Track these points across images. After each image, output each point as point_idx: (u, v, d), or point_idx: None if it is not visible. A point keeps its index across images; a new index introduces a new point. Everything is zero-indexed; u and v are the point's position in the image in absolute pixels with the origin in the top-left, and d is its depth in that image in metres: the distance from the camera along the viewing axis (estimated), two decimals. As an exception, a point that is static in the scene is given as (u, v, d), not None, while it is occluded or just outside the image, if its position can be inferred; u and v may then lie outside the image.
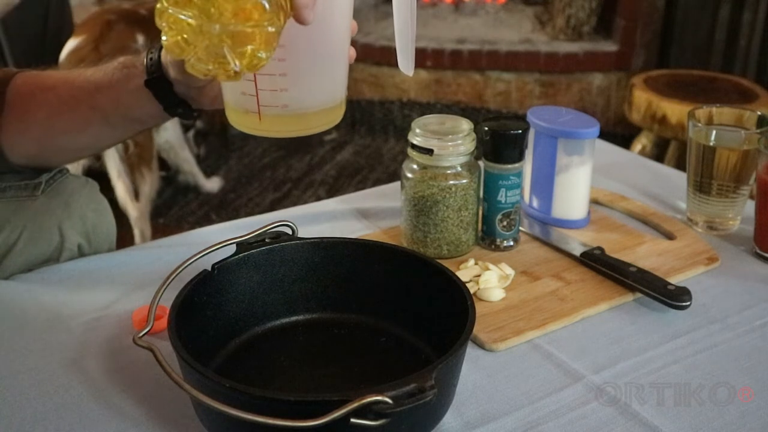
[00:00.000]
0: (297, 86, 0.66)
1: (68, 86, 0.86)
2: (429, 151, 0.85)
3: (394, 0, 0.69)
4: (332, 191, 2.79)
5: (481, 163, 0.90)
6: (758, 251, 0.92)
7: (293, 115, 0.67)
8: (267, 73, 0.64)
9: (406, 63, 0.72)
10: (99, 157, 2.26)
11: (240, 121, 0.69)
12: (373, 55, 3.11)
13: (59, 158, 0.93)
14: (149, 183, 2.36)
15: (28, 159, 0.90)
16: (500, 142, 0.89)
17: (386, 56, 3.10)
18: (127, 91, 0.83)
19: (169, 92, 0.81)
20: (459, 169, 0.86)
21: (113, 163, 2.26)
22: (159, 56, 0.80)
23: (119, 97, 0.83)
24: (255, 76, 0.65)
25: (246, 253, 0.73)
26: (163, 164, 2.63)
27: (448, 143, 0.85)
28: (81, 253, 0.95)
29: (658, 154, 2.60)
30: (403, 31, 0.70)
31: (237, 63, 0.58)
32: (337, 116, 0.70)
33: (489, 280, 0.83)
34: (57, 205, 0.92)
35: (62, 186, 0.94)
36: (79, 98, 0.85)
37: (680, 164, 1.05)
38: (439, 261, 0.73)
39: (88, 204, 0.96)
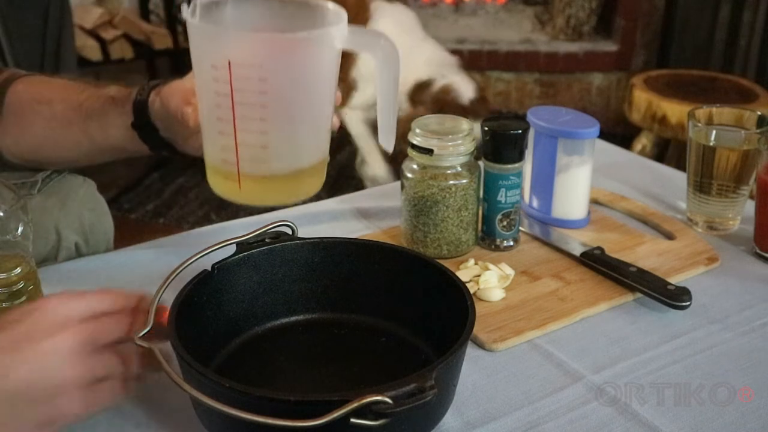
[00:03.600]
0: (277, 153, 0.69)
1: (64, 104, 0.88)
2: (429, 151, 0.85)
3: (377, 80, 0.71)
4: (332, 191, 2.79)
5: (481, 163, 0.90)
6: (758, 251, 0.92)
7: (272, 183, 0.70)
8: (250, 144, 0.67)
9: (386, 140, 0.74)
10: None
11: (220, 188, 0.72)
12: (373, 55, 3.11)
13: (55, 165, 0.94)
14: None
15: (25, 161, 0.91)
16: (500, 142, 0.89)
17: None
18: (115, 127, 0.86)
19: (154, 136, 0.83)
20: (459, 169, 0.86)
21: None
22: (147, 98, 0.82)
23: (108, 129, 0.86)
24: (237, 146, 0.67)
25: (246, 253, 0.73)
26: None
27: (448, 143, 0.85)
28: (78, 253, 0.95)
29: (658, 154, 2.60)
30: (385, 110, 0.72)
31: None
32: (318, 184, 0.73)
33: (489, 280, 0.83)
34: (54, 204, 0.93)
35: (59, 185, 0.94)
36: (71, 120, 0.87)
37: (680, 164, 1.05)
38: (439, 261, 0.73)
39: (85, 203, 0.96)
